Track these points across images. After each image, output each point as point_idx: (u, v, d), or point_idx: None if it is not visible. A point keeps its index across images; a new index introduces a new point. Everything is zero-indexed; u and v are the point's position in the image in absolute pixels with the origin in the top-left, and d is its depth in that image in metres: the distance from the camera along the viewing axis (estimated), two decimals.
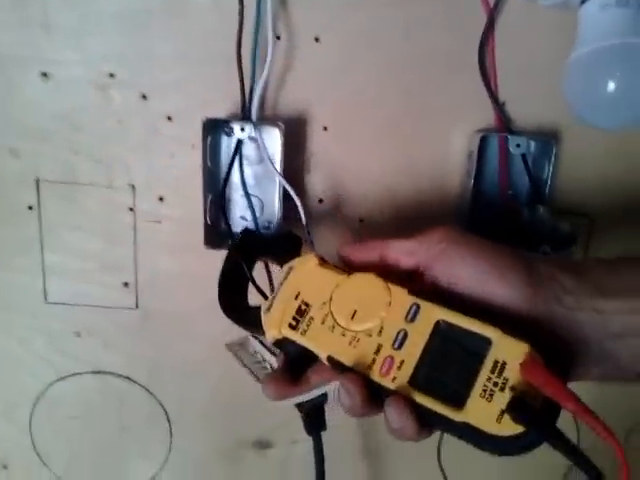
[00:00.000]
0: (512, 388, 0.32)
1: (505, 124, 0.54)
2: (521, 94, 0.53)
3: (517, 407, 0.31)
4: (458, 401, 0.32)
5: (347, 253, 0.42)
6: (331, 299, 0.39)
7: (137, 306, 0.59)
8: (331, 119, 0.54)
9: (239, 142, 0.52)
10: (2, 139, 0.54)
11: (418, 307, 0.36)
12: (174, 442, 0.65)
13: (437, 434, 0.64)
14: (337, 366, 0.37)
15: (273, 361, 0.52)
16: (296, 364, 0.40)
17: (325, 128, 0.54)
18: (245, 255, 0.48)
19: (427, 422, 0.34)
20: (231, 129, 0.52)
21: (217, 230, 0.55)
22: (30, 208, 0.56)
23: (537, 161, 0.54)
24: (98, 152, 0.54)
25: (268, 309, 0.41)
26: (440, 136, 0.55)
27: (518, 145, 0.53)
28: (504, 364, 0.33)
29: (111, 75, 0.52)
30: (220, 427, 0.65)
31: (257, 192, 0.55)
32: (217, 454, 0.66)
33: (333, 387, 0.49)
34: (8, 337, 0.60)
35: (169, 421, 0.64)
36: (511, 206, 0.55)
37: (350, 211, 0.57)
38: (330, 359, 0.37)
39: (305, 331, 0.38)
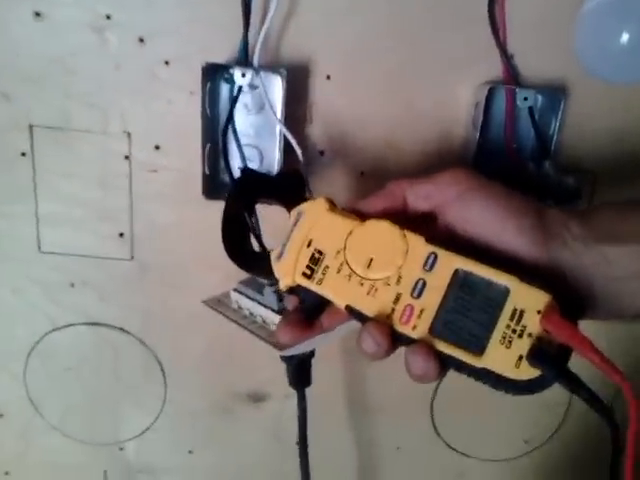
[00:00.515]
0: (530, 335, 0.33)
1: (513, 77, 0.52)
2: (530, 47, 0.51)
3: (536, 353, 0.32)
4: (478, 347, 0.33)
5: (361, 206, 0.41)
6: (345, 247, 0.38)
7: (132, 257, 0.58)
8: (335, 68, 0.52)
9: (240, 88, 0.50)
10: None
11: (436, 256, 0.36)
12: (168, 394, 0.65)
13: (430, 390, 0.65)
14: (356, 316, 0.37)
15: (263, 314, 0.51)
16: (310, 310, 0.40)
17: (328, 77, 0.52)
18: (246, 197, 0.45)
19: (447, 367, 0.34)
20: (231, 75, 0.49)
21: (215, 181, 0.53)
22: (23, 154, 0.54)
23: (544, 115, 0.53)
24: (93, 97, 0.52)
25: (279, 257, 0.40)
26: (446, 87, 0.53)
27: (526, 98, 0.52)
28: (522, 312, 0.33)
29: (108, 17, 0.49)
30: (214, 379, 0.64)
31: (256, 142, 0.54)
32: (211, 406, 0.66)
33: (344, 328, 0.49)
34: (1, 287, 0.59)
35: (163, 373, 0.63)
36: (516, 160, 0.54)
37: (351, 163, 0.55)
38: (349, 308, 0.37)
39: (321, 280, 0.38)
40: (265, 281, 0.52)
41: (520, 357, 0.32)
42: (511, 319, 0.33)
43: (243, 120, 0.53)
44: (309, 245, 0.39)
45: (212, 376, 0.64)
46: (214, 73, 0.50)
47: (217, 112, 0.52)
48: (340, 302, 0.37)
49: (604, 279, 0.35)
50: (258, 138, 0.54)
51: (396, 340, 0.35)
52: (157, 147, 0.54)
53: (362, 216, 0.39)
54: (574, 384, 0.32)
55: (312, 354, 0.54)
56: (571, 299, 0.34)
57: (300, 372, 0.55)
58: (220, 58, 0.50)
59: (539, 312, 0.33)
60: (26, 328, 0.61)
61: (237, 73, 0.49)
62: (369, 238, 0.38)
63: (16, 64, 0.50)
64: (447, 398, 0.66)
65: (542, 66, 0.52)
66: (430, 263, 0.36)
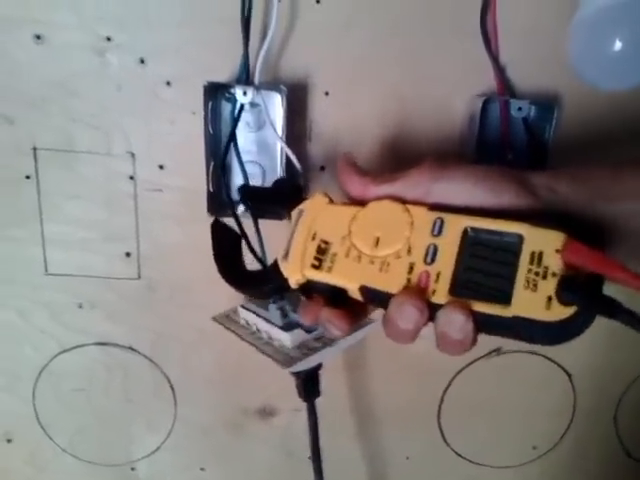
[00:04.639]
0: (554, 274, 0.31)
1: (506, 88, 0.51)
2: (522, 58, 0.50)
3: (565, 288, 0.30)
4: (504, 298, 0.31)
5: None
6: (350, 232, 0.36)
7: (139, 276, 0.55)
8: (332, 84, 0.50)
9: (242, 107, 0.48)
10: None
11: (442, 220, 0.34)
12: (178, 412, 0.62)
13: (437, 399, 0.62)
14: (372, 296, 0.34)
15: (269, 330, 0.49)
16: (334, 299, 0.37)
17: (327, 93, 0.51)
18: (227, 228, 0.45)
19: (479, 327, 0.32)
20: (232, 94, 0.48)
21: (220, 198, 0.51)
22: (27, 177, 0.51)
23: (538, 125, 0.51)
24: (96, 119, 0.50)
25: (285, 256, 0.38)
26: (442, 100, 0.51)
27: (520, 109, 0.50)
28: (541, 254, 0.31)
29: (108, 39, 0.47)
30: (224, 396, 0.62)
31: (258, 159, 0.52)
32: (221, 423, 0.63)
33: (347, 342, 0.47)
34: (9, 310, 0.56)
35: (173, 391, 0.61)
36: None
37: None
38: (363, 289, 0.34)
39: (331, 268, 0.36)
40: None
41: (549, 298, 0.30)
42: (531, 263, 0.31)
43: (245, 137, 0.51)
44: (314, 238, 0.37)
45: (221, 393, 0.61)
46: (215, 92, 0.48)
47: (219, 130, 0.50)
48: (353, 284, 0.35)
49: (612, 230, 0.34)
50: (260, 155, 0.52)
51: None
52: (161, 167, 0.52)
53: (359, 203, 0.37)
54: (613, 308, 0.30)
55: (319, 366, 0.51)
56: (586, 230, 0.32)
57: (309, 384, 0.53)
58: (221, 77, 0.48)
59: (557, 251, 0.31)
60: (34, 350, 0.58)
61: (238, 92, 0.47)
62: (372, 218, 0.36)
63: (18, 87, 0.48)
64: (454, 406, 0.63)
65: (535, 76, 0.51)
66: (438, 227, 0.34)
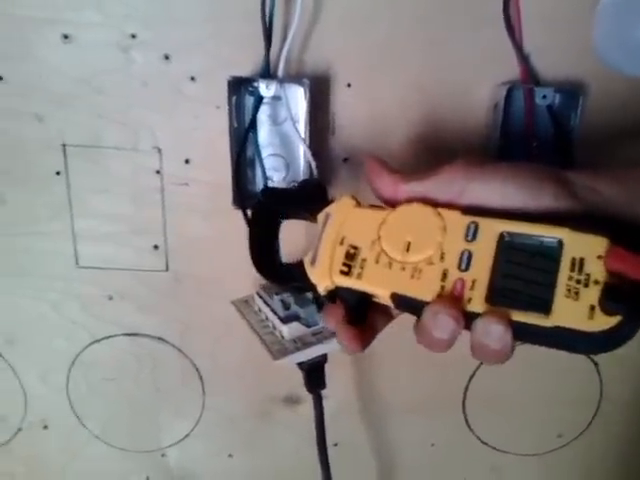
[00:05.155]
0: (596, 282, 0.29)
1: (531, 76, 0.50)
2: (546, 45, 0.49)
3: (609, 298, 0.28)
4: (543, 307, 0.30)
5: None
6: (380, 237, 0.35)
7: (167, 268, 0.56)
8: (355, 75, 0.50)
9: (261, 99, 0.48)
10: (26, 104, 0.50)
11: (476, 225, 0.32)
12: (207, 401, 0.63)
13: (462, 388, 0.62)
14: (403, 303, 0.33)
15: (273, 320, 0.50)
16: (355, 311, 0.36)
17: (349, 85, 0.51)
18: (271, 212, 0.43)
19: (516, 337, 0.30)
20: (256, 88, 0.48)
21: (244, 190, 0.52)
22: (58, 173, 0.52)
23: (563, 113, 0.50)
24: (122, 115, 0.51)
25: (312, 261, 0.37)
26: (466, 89, 0.51)
27: (544, 97, 0.49)
28: (582, 260, 0.30)
29: (133, 36, 0.48)
30: (251, 385, 0.63)
31: (282, 152, 0.52)
32: (248, 411, 0.64)
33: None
34: (42, 302, 0.58)
35: (202, 380, 0.62)
36: (537, 158, 0.52)
37: None
38: (395, 297, 0.33)
39: (360, 274, 0.34)
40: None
41: (592, 307, 0.28)
42: (572, 270, 0.29)
43: (269, 131, 0.51)
44: (342, 243, 0.36)
45: (248, 382, 0.62)
46: (239, 86, 0.49)
47: (243, 124, 0.50)
48: (384, 292, 0.33)
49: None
50: (284, 148, 0.52)
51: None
52: (187, 161, 0.52)
53: (390, 205, 0.36)
54: None
55: (325, 359, 0.52)
56: (628, 234, 0.30)
57: (313, 376, 0.53)
58: (244, 72, 0.49)
59: (600, 257, 0.29)
60: (67, 341, 0.60)
61: (262, 85, 0.48)
62: (403, 223, 0.34)
63: (47, 86, 0.49)
64: (479, 395, 0.63)
65: (559, 64, 0.50)
66: (472, 233, 0.32)
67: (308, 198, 0.41)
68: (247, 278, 0.55)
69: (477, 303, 0.31)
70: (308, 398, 0.63)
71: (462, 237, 0.33)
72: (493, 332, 0.30)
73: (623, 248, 0.29)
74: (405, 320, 0.58)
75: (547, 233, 0.31)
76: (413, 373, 0.62)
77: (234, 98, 0.48)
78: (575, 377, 0.63)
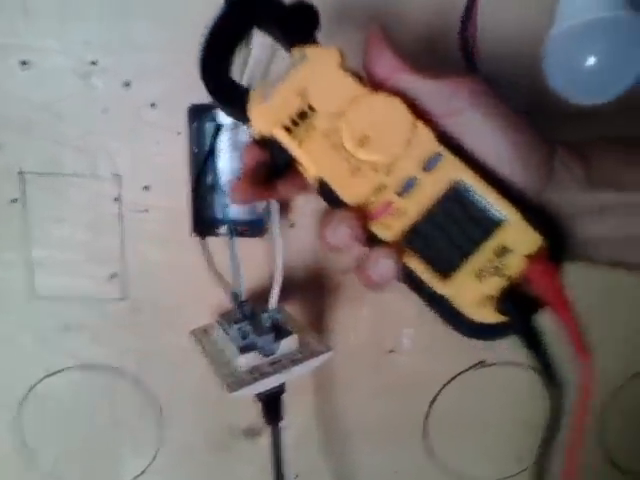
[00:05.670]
0: (508, 277, 0.28)
1: None
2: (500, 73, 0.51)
3: (509, 298, 0.28)
4: (446, 272, 0.29)
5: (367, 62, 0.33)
6: (343, 113, 0.30)
7: (125, 297, 0.55)
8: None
9: (219, 128, 0.49)
10: None
11: (441, 158, 0.30)
12: (165, 433, 0.61)
13: (423, 412, 0.62)
14: (325, 193, 0.31)
15: (230, 349, 0.49)
16: (273, 171, 0.33)
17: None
18: (245, 15, 0.35)
19: (404, 279, 0.29)
20: (216, 115, 0.49)
21: (204, 218, 0.52)
22: (14, 201, 0.51)
23: None
24: (82, 142, 0.50)
25: (261, 96, 0.32)
26: None
27: None
28: (510, 249, 0.29)
29: (93, 63, 0.48)
30: (211, 416, 0.61)
31: None
32: (208, 443, 0.63)
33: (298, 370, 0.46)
34: None
35: (160, 412, 0.60)
36: None
37: None
38: (321, 182, 0.31)
39: (302, 140, 0.31)
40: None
41: (488, 297, 0.28)
42: (495, 253, 0.28)
43: (230, 157, 0.51)
44: (302, 96, 0.31)
45: (209, 413, 0.61)
46: (200, 113, 0.49)
47: (204, 151, 0.50)
48: (314, 172, 0.31)
49: (590, 225, 0.31)
50: None
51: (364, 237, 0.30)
52: (146, 187, 0.52)
53: (373, 85, 0.32)
54: (536, 345, 0.28)
55: (282, 389, 0.51)
56: (558, 246, 0.30)
57: (271, 407, 0.52)
58: (205, 98, 0.49)
59: (527, 257, 0.28)
60: (20, 375, 0.57)
61: (221, 113, 0.48)
62: (374, 112, 0.30)
63: (4, 112, 0.49)
64: (440, 420, 0.64)
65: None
66: (432, 163, 0.30)
67: (293, 21, 0.34)
68: (207, 306, 0.55)
69: (389, 232, 0.29)
70: (268, 429, 0.62)
71: (420, 162, 0.30)
72: (381, 265, 0.29)
73: (552, 264, 0.28)
74: (365, 349, 0.59)
75: (498, 206, 0.29)
76: (373, 400, 0.62)
77: (194, 125, 0.49)
78: (536, 400, 0.63)
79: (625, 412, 0.65)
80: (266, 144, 0.32)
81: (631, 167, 0.31)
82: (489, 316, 0.28)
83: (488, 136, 0.30)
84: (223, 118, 0.48)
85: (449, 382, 0.62)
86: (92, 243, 0.53)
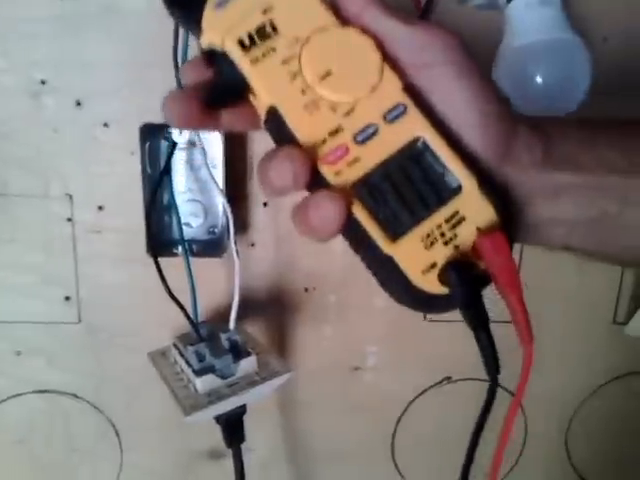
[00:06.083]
0: (456, 247, 0.27)
1: None
2: None
3: (454, 269, 0.26)
4: (394, 233, 0.27)
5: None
6: (307, 41, 0.28)
7: (80, 320, 0.54)
8: None
9: (174, 146, 0.48)
10: None
11: (405, 110, 0.28)
12: (125, 458, 0.59)
13: (390, 432, 0.62)
14: (275, 124, 0.27)
15: (187, 372, 0.48)
16: (218, 93, 0.29)
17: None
18: None
19: (349, 234, 0.28)
20: (170, 134, 0.48)
21: (159, 238, 0.51)
22: None
23: None
24: (32, 162, 0.49)
25: (219, 4, 0.28)
26: None
27: None
28: (462, 219, 0.27)
29: (42, 82, 0.47)
30: (172, 439, 0.60)
31: (200, 197, 0.51)
32: (170, 466, 0.61)
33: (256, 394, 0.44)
34: None
35: (118, 437, 0.58)
36: None
37: None
38: (272, 111, 0.27)
39: (257, 60, 0.27)
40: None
41: (433, 265, 0.26)
42: (447, 220, 0.27)
43: (187, 176, 0.50)
44: (265, 13, 0.28)
45: (170, 436, 0.59)
46: (153, 132, 0.48)
47: (158, 171, 0.49)
48: (266, 98, 0.27)
49: (544, 206, 0.29)
50: (202, 193, 0.51)
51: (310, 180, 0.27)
52: (100, 208, 0.51)
53: (345, 20, 0.29)
54: (480, 322, 0.27)
55: (243, 411, 0.50)
56: (511, 224, 0.28)
57: (230, 429, 0.51)
58: (158, 118, 0.48)
59: (478, 229, 0.27)
60: None
61: (175, 131, 0.47)
62: (342, 47, 0.28)
63: None
64: (406, 439, 0.63)
65: None
66: (394, 114, 0.27)
67: None
68: (164, 328, 0.53)
69: (339, 180, 0.27)
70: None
71: (382, 111, 0.28)
72: (324, 209, 0.26)
73: (504, 241, 0.27)
74: (329, 368, 0.58)
75: (456, 172, 0.28)
76: (339, 419, 0.61)
77: (147, 144, 0.48)
78: (501, 415, 0.63)
79: (589, 425, 0.65)
80: (215, 60, 0.29)
81: (593, 149, 0.30)
82: (432, 285, 0.27)
83: (456, 98, 0.28)
84: (176, 137, 0.47)
85: (415, 399, 0.62)
86: (44, 265, 0.52)
